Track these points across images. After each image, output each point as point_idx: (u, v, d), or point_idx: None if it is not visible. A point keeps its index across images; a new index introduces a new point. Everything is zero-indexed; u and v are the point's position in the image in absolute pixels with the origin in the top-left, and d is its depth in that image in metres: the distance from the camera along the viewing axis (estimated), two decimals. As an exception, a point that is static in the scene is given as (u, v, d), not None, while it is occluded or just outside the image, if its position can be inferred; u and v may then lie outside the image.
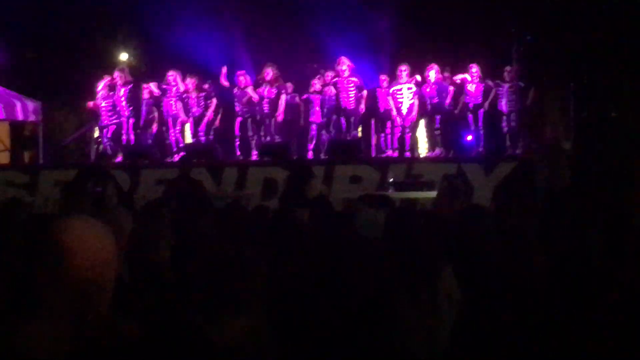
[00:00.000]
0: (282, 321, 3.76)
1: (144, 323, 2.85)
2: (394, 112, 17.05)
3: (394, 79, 17.21)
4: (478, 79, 17.09)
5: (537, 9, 19.69)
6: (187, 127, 18.37)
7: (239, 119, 17.70)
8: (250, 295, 3.09)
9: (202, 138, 17.90)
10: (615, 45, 18.93)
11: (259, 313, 3.21)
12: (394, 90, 17.04)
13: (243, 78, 17.67)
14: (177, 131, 18.10)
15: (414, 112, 16.99)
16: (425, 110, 17.31)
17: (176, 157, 17.49)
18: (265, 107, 17.42)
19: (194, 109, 17.83)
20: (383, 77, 17.63)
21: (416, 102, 16.99)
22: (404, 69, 16.93)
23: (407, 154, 17.22)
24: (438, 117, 17.17)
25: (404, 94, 16.91)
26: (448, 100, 17.24)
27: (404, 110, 16.91)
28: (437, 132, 17.43)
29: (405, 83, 16.92)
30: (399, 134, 17.13)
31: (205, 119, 17.85)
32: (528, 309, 3.86)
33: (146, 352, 2.69)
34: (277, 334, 3.67)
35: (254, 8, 22.26)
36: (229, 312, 3.02)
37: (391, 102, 17.04)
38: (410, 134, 17.19)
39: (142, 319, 3.03)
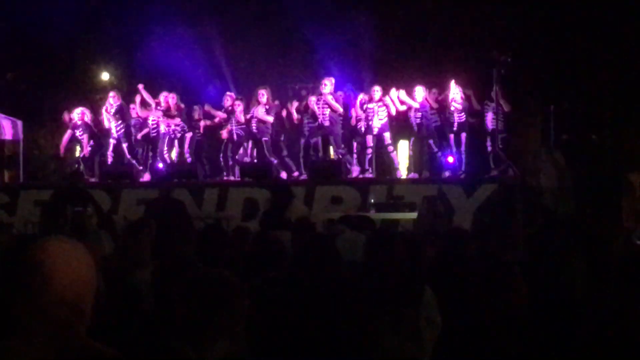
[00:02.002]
0: (263, 345, 3.74)
1: (123, 346, 2.82)
2: (362, 131, 16.99)
3: (367, 97, 17.07)
4: (462, 100, 16.95)
5: (517, 32, 19.84)
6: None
7: (224, 142, 17.65)
8: (230, 319, 3.08)
9: (188, 158, 17.90)
10: (594, 69, 19.10)
11: (240, 336, 3.19)
12: (366, 109, 16.96)
13: (229, 99, 17.74)
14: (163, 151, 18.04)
15: (380, 129, 16.84)
16: (411, 131, 17.21)
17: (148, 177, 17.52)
18: (254, 128, 17.33)
19: (174, 130, 17.81)
20: (359, 94, 17.41)
21: (384, 119, 16.81)
22: (377, 90, 16.86)
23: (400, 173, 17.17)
24: (431, 141, 16.96)
25: (375, 111, 16.79)
26: (435, 121, 17.02)
27: (375, 130, 16.79)
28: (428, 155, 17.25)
29: (377, 101, 16.83)
30: (370, 155, 16.97)
31: (189, 137, 17.87)
32: (509, 334, 3.85)
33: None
34: (257, 358, 3.65)
35: (238, 26, 22.29)
36: (209, 336, 3.00)
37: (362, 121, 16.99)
38: (387, 154, 17.08)
39: (121, 342, 3.00)
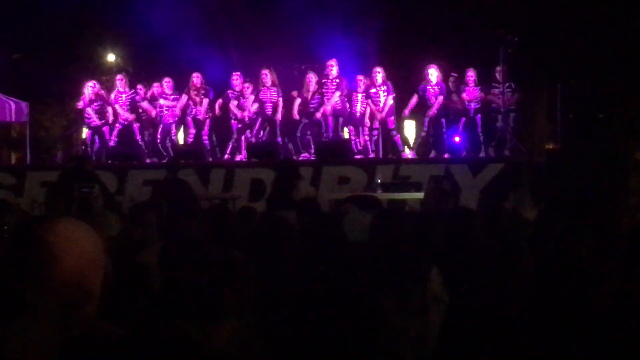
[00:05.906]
0: (270, 324, 3.75)
1: (131, 326, 2.84)
2: (367, 115, 16.91)
3: (370, 81, 16.97)
4: (473, 83, 16.77)
5: (524, 11, 19.77)
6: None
7: (234, 122, 17.61)
8: (237, 298, 3.09)
9: (207, 142, 17.85)
10: (602, 47, 19.03)
11: (247, 316, 3.20)
12: (370, 93, 16.88)
13: (238, 78, 17.70)
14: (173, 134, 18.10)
15: (386, 114, 16.73)
16: (426, 108, 17.02)
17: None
18: (268, 110, 17.30)
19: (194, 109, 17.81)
20: (360, 77, 17.28)
21: (390, 103, 16.72)
22: (379, 71, 16.76)
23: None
24: (443, 120, 16.79)
25: (380, 96, 16.73)
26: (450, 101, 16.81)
27: (378, 115, 16.73)
28: (424, 134, 17.32)
29: (380, 85, 16.76)
30: (376, 137, 16.93)
31: (208, 121, 17.82)
32: (516, 312, 3.86)
33: (134, 355, 2.68)
34: (264, 337, 3.66)
35: (243, 9, 22.24)
36: (216, 315, 3.01)
37: (368, 105, 16.90)
38: (391, 138, 16.99)
39: (129, 323, 3.02)
